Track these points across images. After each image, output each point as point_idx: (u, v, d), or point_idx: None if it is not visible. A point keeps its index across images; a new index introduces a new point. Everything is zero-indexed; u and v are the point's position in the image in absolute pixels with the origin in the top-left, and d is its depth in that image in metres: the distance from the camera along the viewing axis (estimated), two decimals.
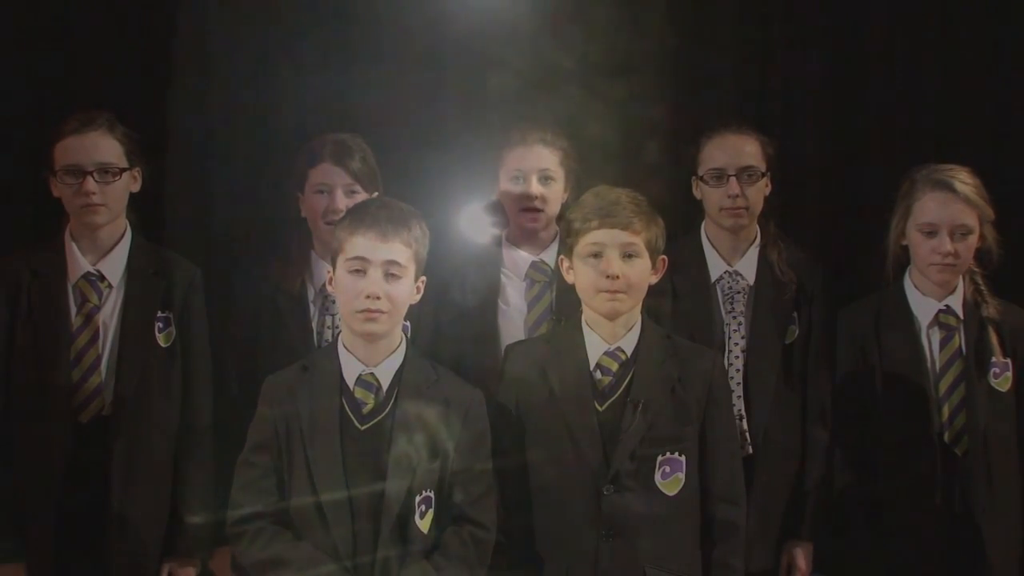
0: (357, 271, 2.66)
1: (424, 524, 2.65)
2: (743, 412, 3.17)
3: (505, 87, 3.66)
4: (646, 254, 2.77)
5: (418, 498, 2.64)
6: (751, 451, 3.15)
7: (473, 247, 3.34)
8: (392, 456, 2.63)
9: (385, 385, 2.70)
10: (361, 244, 2.66)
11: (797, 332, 3.25)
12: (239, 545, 2.66)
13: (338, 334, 2.81)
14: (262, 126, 3.67)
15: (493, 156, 3.29)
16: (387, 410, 2.68)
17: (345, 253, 2.68)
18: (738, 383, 3.18)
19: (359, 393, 2.69)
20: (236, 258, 3.51)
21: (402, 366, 2.73)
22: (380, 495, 2.61)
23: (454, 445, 2.69)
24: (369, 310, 2.64)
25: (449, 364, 2.91)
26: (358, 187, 3.16)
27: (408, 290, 2.71)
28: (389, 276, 2.66)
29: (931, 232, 3.08)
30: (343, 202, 3.13)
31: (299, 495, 2.64)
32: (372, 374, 2.70)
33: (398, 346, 2.75)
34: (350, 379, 2.70)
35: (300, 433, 2.66)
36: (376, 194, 3.17)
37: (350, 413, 2.67)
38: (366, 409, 2.68)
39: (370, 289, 2.64)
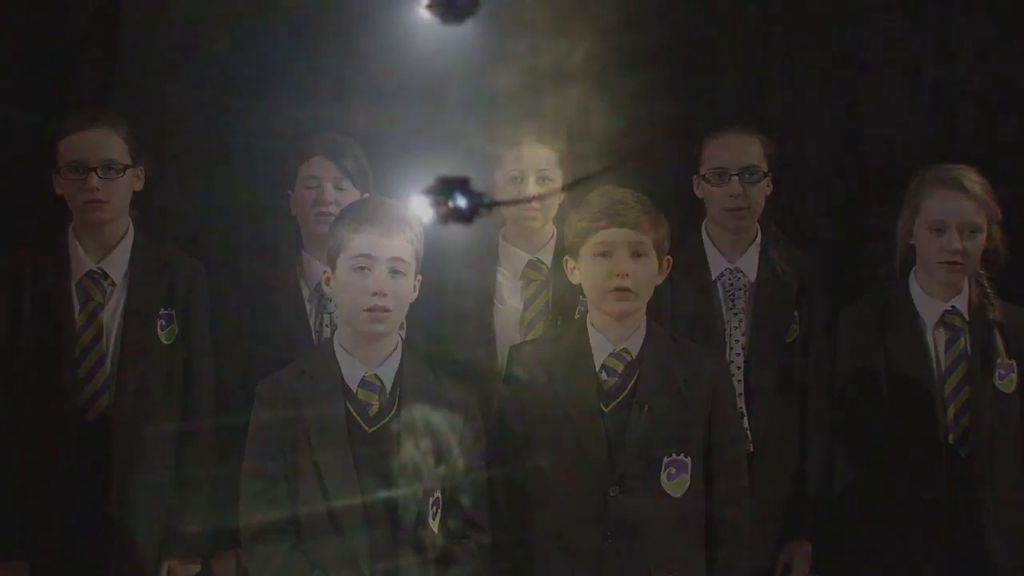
0: (362, 268, 2.63)
1: (435, 525, 2.65)
2: (744, 410, 3.17)
3: (504, 86, 3.65)
4: (653, 254, 2.78)
5: (431, 499, 2.63)
6: (752, 449, 3.15)
7: (469, 246, 3.32)
8: (405, 459, 2.62)
9: (388, 386, 2.68)
10: (366, 241, 2.64)
11: (798, 331, 3.26)
12: (251, 564, 2.65)
13: (333, 333, 2.78)
14: (260, 127, 3.65)
15: (491, 155, 3.27)
16: (393, 412, 2.66)
17: (348, 251, 2.65)
18: (739, 380, 3.18)
19: (363, 395, 2.66)
20: (228, 259, 3.49)
21: (401, 367, 2.70)
22: (394, 499, 2.60)
23: (458, 445, 2.69)
24: (376, 308, 2.62)
25: (444, 363, 2.89)
26: (348, 183, 3.15)
27: (410, 288, 2.70)
28: (394, 273, 2.65)
29: (940, 229, 3.07)
30: (332, 195, 3.12)
31: (309, 503, 2.60)
32: (376, 375, 2.67)
33: (396, 347, 2.73)
34: (352, 382, 2.67)
35: (307, 439, 2.62)
36: (367, 195, 3.14)
37: (356, 416, 2.65)
38: (372, 411, 2.65)
39: (377, 286, 2.62)
